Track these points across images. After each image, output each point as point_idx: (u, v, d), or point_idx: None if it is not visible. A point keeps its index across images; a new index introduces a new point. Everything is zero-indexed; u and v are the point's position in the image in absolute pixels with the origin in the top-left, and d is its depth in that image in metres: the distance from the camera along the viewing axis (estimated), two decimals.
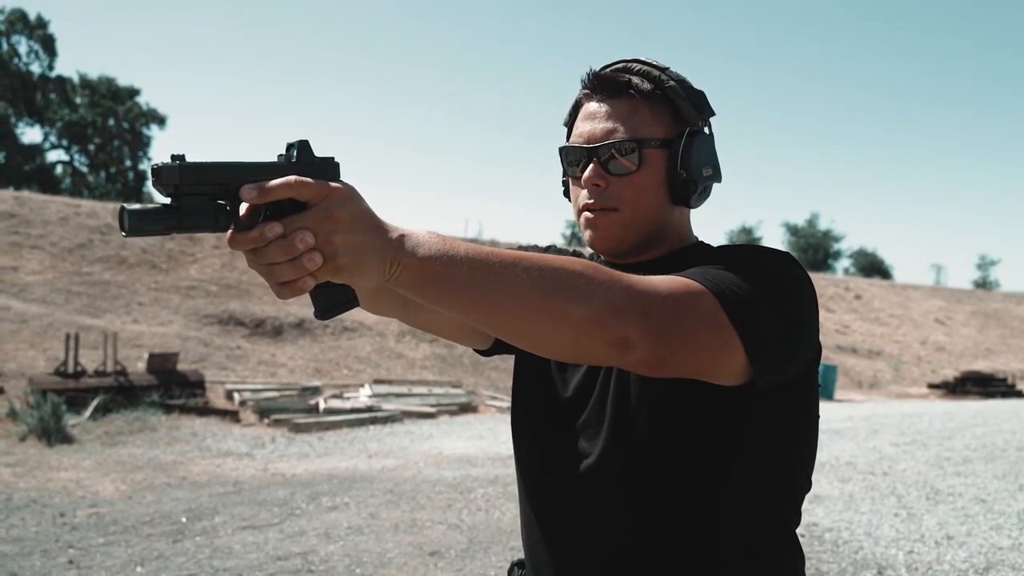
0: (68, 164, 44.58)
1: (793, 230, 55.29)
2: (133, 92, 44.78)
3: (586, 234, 1.18)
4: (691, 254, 1.18)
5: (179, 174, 0.83)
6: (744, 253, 1.09)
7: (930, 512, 6.87)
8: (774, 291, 1.02)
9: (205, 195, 0.84)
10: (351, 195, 0.86)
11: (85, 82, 43.79)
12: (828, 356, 23.54)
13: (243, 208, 0.85)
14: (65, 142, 44.02)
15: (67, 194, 30.96)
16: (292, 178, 0.83)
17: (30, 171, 40.22)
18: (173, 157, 0.85)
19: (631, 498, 1.06)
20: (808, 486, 1.17)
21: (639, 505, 1.06)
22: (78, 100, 43.60)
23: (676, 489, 1.07)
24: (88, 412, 10.59)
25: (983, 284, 51.63)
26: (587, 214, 1.16)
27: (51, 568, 4.83)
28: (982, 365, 26.30)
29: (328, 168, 0.91)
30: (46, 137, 43.77)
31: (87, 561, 4.97)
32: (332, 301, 0.91)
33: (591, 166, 1.14)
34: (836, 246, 55.97)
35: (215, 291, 17.79)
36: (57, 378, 11.24)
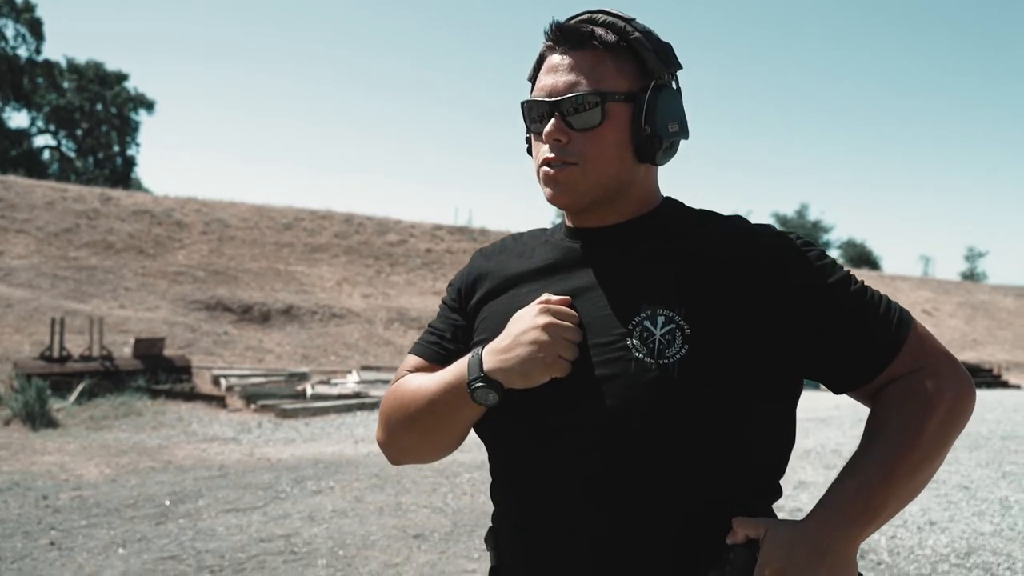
0: (55, 149, 44.25)
1: (782, 221, 55.37)
2: (121, 77, 44.44)
3: (545, 191, 1.13)
4: (668, 218, 1.15)
5: None
6: (832, 271, 1.08)
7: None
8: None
9: None
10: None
11: (73, 66, 43.43)
12: None
13: None
14: (52, 127, 43.68)
15: (54, 179, 30.72)
16: None
17: (17, 156, 39.89)
18: None
19: (613, 457, 1.02)
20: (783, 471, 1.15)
21: (621, 471, 1.02)
22: (65, 85, 43.25)
23: (666, 460, 1.03)
24: (73, 396, 10.54)
25: (971, 276, 51.88)
26: (546, 169, 1.11)
27: (32, 549, 4.80)
28: (969, 356, 26.44)
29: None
30: (33, 122, 43.44)
31: (69, 543, 4.94)
32: None
33: (552, 120, 1.10)
34: (825, 237, 56.08)
35: (202, 277, 17.71)
36: (42, 362, 11.18)
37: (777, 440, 1.11)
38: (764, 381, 1.05)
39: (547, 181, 1.12)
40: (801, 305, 1.04)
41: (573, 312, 1.07)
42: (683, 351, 1.01)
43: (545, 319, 1.05)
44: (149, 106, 45.28)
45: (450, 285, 1.30)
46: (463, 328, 1.24)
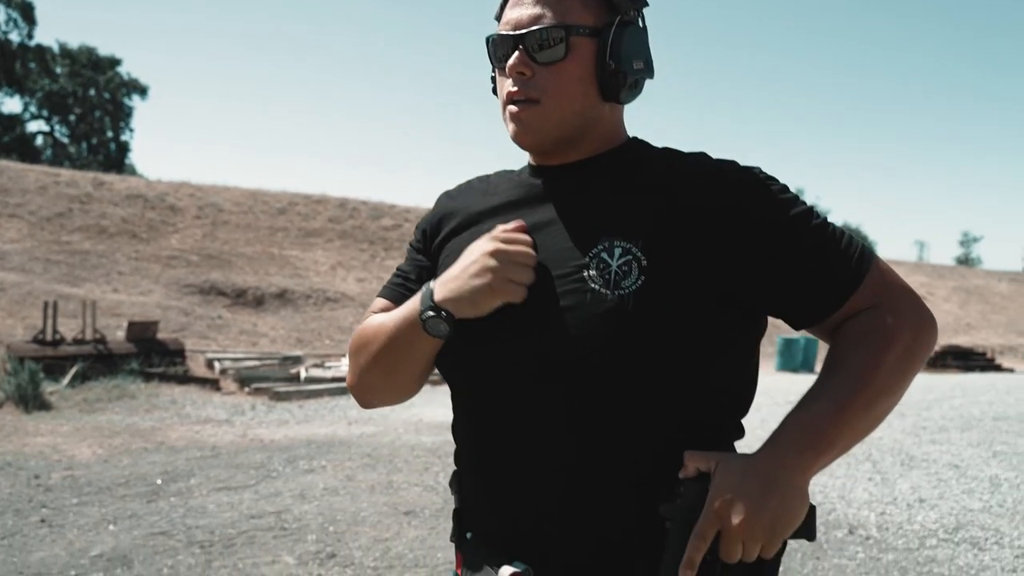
0: (49, 135, 44.05)
1: None
2: (114, 62, 44.23)
3: (510, 128, 1.12)
4: (631, 155, 1.14)
5: None
6: (794, 205, 1.06)
7: (904, 477, 6.94)
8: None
9: None
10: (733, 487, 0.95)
11: (65, 51, 43.20)
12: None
13: None
14: (45, 112, 43.48)
15: (47, 165, 30.58)
16: (697, 539, 0.94)
17: (10, 141, 39.71)
18: None
19: (576, 403, 1.02)
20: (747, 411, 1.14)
21: (583, 417, 1.02)
22: (58, 70, 43.03)
23: (628, 400, 1.02)
24: (66, 380, 10.53)
25: (965, 261, 52.01)
26: (511, 107, 1.10)
27: (23, 526, 4.80)
28: (963, 340, 26.53)
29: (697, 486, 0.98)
30: (26, 107, 43.22)
31: (59, 520, 4.94)
32: None
33: (516, 53, 1.09)
34: None
35: (196, 261, 17.67)
36: (35, 346, 11.16)
37: (739, 376, 1.10)
38: (723, 315, 1.04)
39: (512, 119, 1.11)
40: (762, 238, 1.03)
41: (525, 236, 1.07)
42: (639, 282, 1.01)
43: (493, 245, 1.05)
44: (142, 91, 45.11)
45: (416, 228, 1.30)
46: (428, 269, 1.24)
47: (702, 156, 1.11)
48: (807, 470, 0.97)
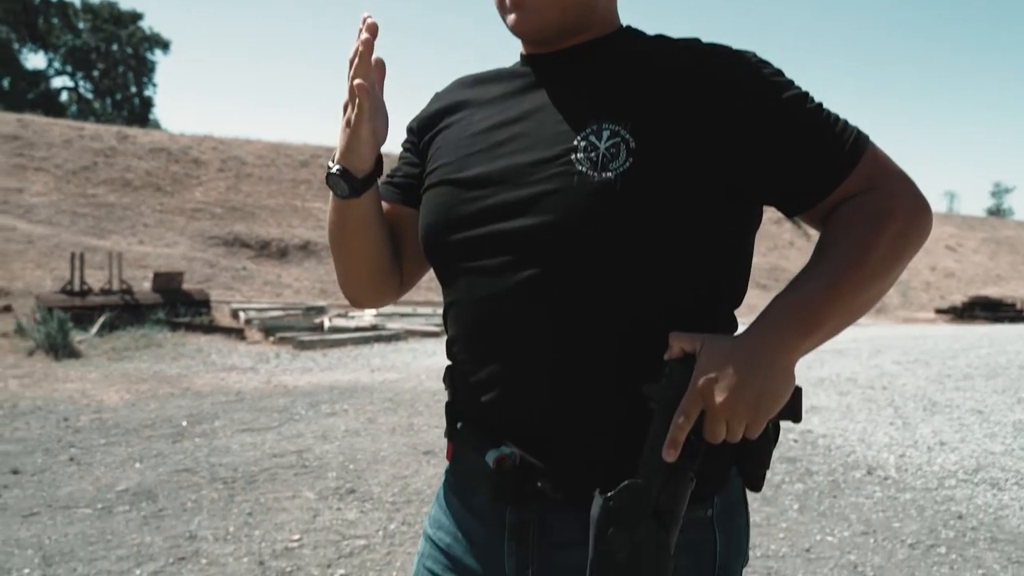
0: (73, 90, 44.21)
1: None
2: (136, 16, 44.13)
3: (510, 18, 1.09)
4: (623, 41, 1.11)
5: None
6: (788, 88, 1.04)
7: (926, 422, 6.90)
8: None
9: None
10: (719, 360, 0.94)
11: (87, 6, 43.15)
12: None
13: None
14: (69, 68, 43.58)
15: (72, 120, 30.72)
16: (681, 418, 0.93)
17: (35, 97, 39.92)
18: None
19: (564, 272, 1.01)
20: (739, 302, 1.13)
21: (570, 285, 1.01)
22: (80, 25, 43.02)
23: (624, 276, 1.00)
24: (95, 329, 10.69)
25: (996, 212, 51.13)
26: None
27: (52, 464, 4.92)
28: (992, 291, 26.20)
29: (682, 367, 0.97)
30: (50, 63, 43.34)
31: (87, 459, 5.05)
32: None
33: None
34: None
35: (220, 213, 17.78)
36: (64, 296, 11.32)
37: (731, 267, 1.08)
38: (714, 200, 1.01)
39: (514, 6, 1.08)
40: (754, 119, 1.00)
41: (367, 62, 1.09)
42: (627, 164, 0.99)
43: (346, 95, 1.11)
44: (165, 46, 45.02)
45: (408, 128, 1.29)
46: (416, 165, 1.24)
47: (694, 41, 1.08)
48: (793, 350, 0.96)
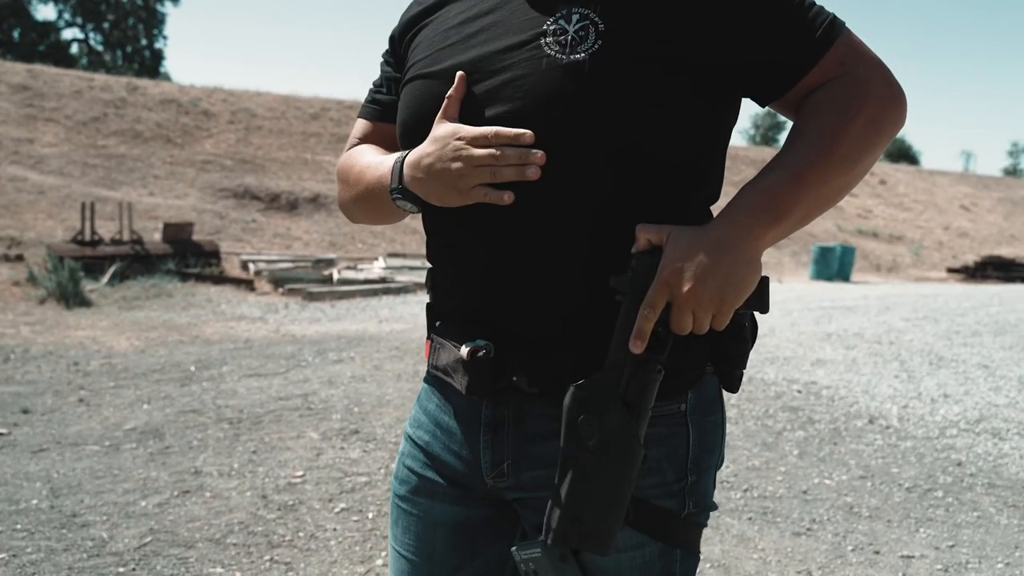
0: (83, 42, 43.99)
1: None
2: None
3: None
4: None
5: None
6: None
7: (931, 375, 6.91)
8: None
9: None
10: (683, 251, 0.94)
11: None
12: (847, 239, 23.36)
13: None
14: (79, 19, 43.31)
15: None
16: (647, 309, 0.93)
17: (45, 49, 39.74)
18: None
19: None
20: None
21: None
22: None
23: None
24: (106, 278, 10.77)
25: (1013, 172, 50.55)
26: None
27: (61, 405, 4.99)
28: (1005, 251, 26.00)
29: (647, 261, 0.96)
30: (60, 15, 43.06)
31: (96, 400, 5.13)
32: None
33: None
34: None
35: (230, 165, 17.77)
36: (74, 246, 11.38)
37: (705, 160, 1.07)
38: (685, 84, 1.00)
39: None
40: (728, 3, 1.00)
41: (487, 133, 0.99)
42: (596, 45, 0.98)
43: (460, 151, 1.00)
44: None
45: (390, 37, 1.28)
46: (396, 79, 1.23)
47: None
48: (759, 238, 0.95)
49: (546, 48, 1.00)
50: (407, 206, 1.11)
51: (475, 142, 0.99)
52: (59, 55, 39.15)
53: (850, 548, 3.24)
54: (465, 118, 1.03)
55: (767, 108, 1.10)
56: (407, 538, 1.19)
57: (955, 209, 30.73)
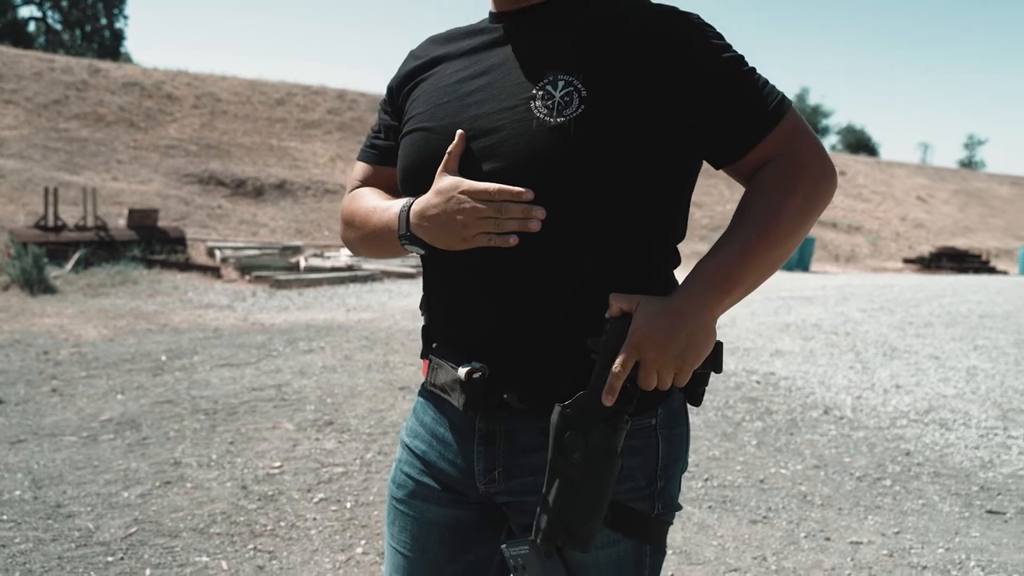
0: (41, 20, 43.04)
1: None
2: None
3: None
4: (582, 1, 1.22)
5: None
6: (727, 50, 1.17)
7: (884, 366, 7.18)
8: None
9: None
10: (648, 327, 1.08)
11: None
12: None
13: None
14: None
15: (41, 51, 29.99)
16: (618, 369, 1.08)
17: (2, 27, 38.84)
18: None
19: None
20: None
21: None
22: None
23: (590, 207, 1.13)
24: (70, 265, 10.70)
25: (969, 164, 51.59)
26: None
27: (35, 395, 5.04)
28: (959, 242, 26.67)
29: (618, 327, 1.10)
30: None
31: (69, 390, 5.17)
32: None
33: None
34: (824, 122, 55.35)
35: (195, 151, 17.62)
36: (38, 231, 11.28)
37: (673, 215, 1.21)
38: (658, 147, 1.15)
39: None
40: (696, 75, 1.13)
41: (490, 189, 1.11)
42: (579, 110, 1.11)
43: (463, 204, 1.12)
44: None
45: (388, 88, 1.40)
46: (394, 127, 1.36)
47: (644, 0, 1.21)
48: (714, 308, 1.11)
49: (535, 111, 1.13)
50: (415, 249, 1.23)
51: (477, 196, 1.12)
52: (16, 34, 38.29)
53: (803, 535, 3.43)
54: (463, 172, 1.16)
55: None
56: (404, 536, 1.33)
57: (912, 200, 31.38)
